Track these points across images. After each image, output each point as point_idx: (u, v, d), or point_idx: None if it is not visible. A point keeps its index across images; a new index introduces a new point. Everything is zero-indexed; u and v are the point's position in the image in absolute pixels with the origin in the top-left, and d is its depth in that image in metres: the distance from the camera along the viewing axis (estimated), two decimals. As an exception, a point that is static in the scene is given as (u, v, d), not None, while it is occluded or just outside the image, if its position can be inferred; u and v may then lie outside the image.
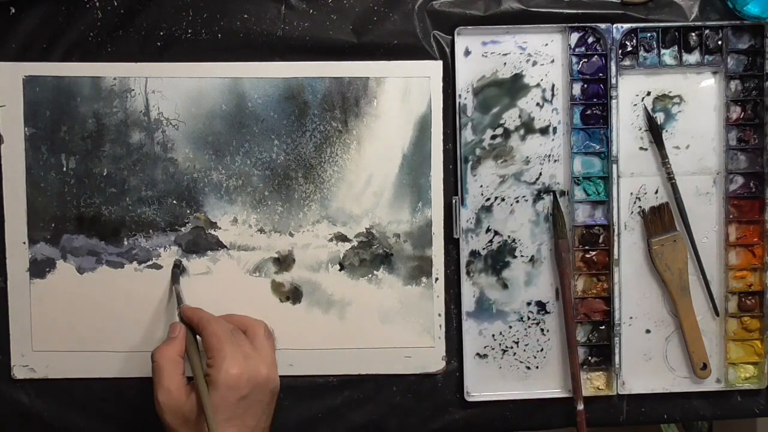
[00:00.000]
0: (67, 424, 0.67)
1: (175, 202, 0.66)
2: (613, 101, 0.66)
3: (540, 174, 0.67)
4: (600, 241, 0.67)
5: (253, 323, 0.62)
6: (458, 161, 0.66)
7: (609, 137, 0.66)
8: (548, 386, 0.68)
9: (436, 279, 0.67)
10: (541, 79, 0.67)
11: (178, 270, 0.65)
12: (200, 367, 0.56)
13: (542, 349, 0.68)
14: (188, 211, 0.66)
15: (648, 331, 0.68)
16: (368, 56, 0.66)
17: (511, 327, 0.68)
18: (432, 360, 0.67)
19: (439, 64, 0.66)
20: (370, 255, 0.67)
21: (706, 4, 0.67)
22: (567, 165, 0.67)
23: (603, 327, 0.67)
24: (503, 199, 0.67)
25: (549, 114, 0.67)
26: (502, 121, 0.67)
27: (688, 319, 0.67)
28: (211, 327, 0.57)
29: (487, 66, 0.66)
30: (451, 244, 0.67)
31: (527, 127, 0.67)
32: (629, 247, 0.68)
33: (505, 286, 0.67)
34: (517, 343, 0.68)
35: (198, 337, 0.59)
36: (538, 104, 0.67)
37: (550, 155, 0.67)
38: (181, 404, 0.54)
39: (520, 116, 0.67)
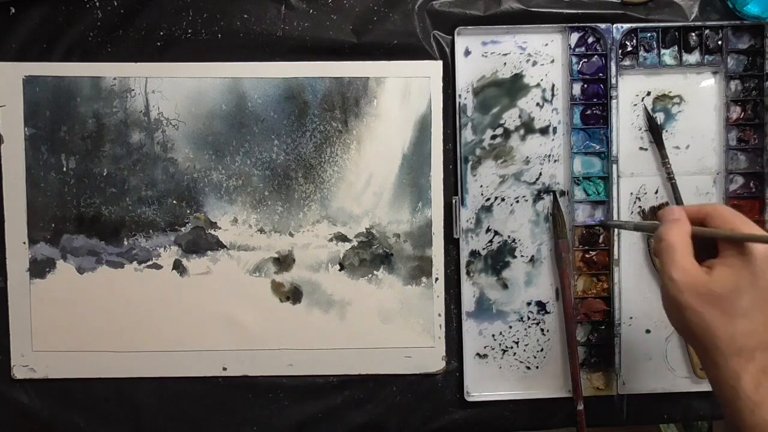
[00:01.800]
0: (67, 424, 0.67)
1: (175, 202, 0.66)
2: (613, 101, 0.66)
3: (540, 174, 0.67)
4: (600, 241, 0.67)
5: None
6: (458, 161, 0.66)
7: (609, 137, 0.66)
8: (548, 386, 0.68)
9: (436, 279, 0.67)
10: (541, 79, 0.67)
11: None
12: (726, 233, 0.50)
13: (542, 349, 0.68)
14: (188, 211, 0.66)
15: (648, 331, 0.68)
16: (368, 56, 0.66)
17: (511, 327, 0.68)
18: (432, 360, 0.67)
19: (439, 64, 0.66)
20: (370, 255, 0.67)
21: (706, 4, 0.67)
22: (567, 165, 0.67)
23: (603, 327, 0.67)
24: (503, 199, 0.67)
25: (549, 114, 0.67)
26: (502, 121, 0.67)
27: (688, 319, 0.67)
28: (719, 207, 0.52)
29: (487, 66, 0.66)
30: (451, 244, 0.67)
31: (527, 127, 0.67)
32: (629, 247, 0.68)
33: (505, 286, 0.67)
34: (517, 343, 0.68)
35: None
36: (538, 104, 0.67)
37: (550, 155, 0.67)
38: (703, 281, 0.48)
39: (520, 116, 0.67)
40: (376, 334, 0.67)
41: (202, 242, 0.66)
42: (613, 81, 0.66)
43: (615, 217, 0.66)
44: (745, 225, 0.49)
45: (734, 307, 0.47)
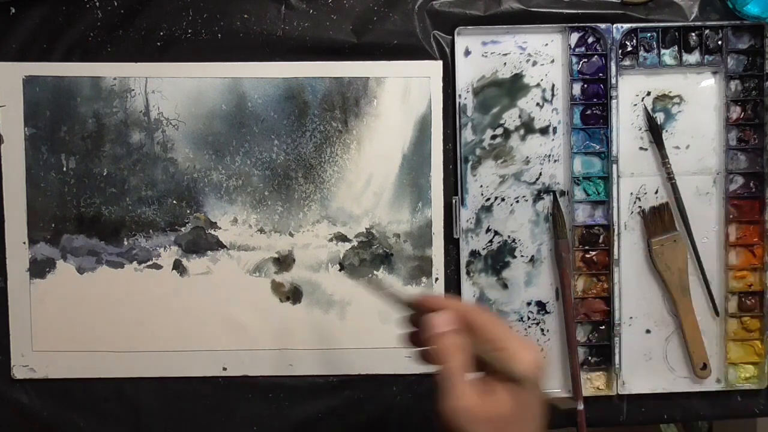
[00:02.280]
0: (67, 424, 0.67)
1: (175, 202, 0.66)
2: (613, 101, 0.66)
3: (540, 174, 0.67)
4: (600, 241, 0.67)
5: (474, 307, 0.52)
6: (458, 161, 0.66)
7: (609, 137, 0.66)
8: (548, 386, 0.68)
9: (436, 279, 0.67)
10: (541, 79, 0.67)
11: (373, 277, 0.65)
12: (496, 357, 0.47)
13: (542, 349, 0.68)
14: (188, 211, 0.66)
15: (648, 331, 0.68)
16: (368, 56, 0.66)
17: (511, 327, 0.68)
18: (432, 360, 0.67)
19: (439, 64, 0.66)
20: (370, 255, 0.67)
21: (706, 4, 0.67)
22: (567, 165, 0.67)
23: (603, 327, 0.67)
24: (503, 199, 0.67)
25: (549, 114, 0.67)
26: (502, 121, 0.67)
27: (688, 319, 0.67)
28: (482, 313, 0.49)
29: (487, 66, 0.66)
30: (451, 244, 0.67)
31: (527, 127, 0.67)
32: (629, 247, 0.68)
33: (505, 286, 0.67)
34: (517, 343, 0.68)
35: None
36: (538, 104, 0.67)
37: (550, 155, 0.67)
38: (481, 406, 0.46)
39: (520, 116, 0.67)
40: (376, 334, 0.67)
41: (202, 242, 0.66)
42: (613, 81, 0.66)
43: (615, 218, 0.66)
44: (504, 336, 0.47)
45: (509, 429, 0.46)
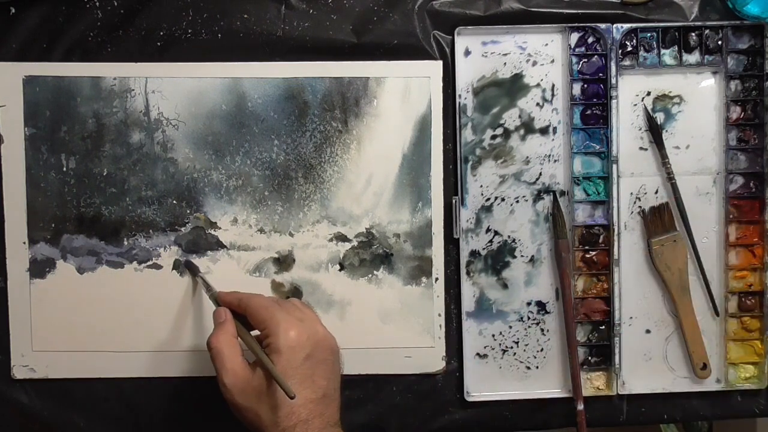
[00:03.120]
0: (67, 424, 0.67)
1: (175, 202, 0.66)
2: (613, 101, 0.66)
3: (540, 174, 0.67)
4: (600, 241, 0.67)
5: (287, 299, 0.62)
6: (458, 161, 0.66)
7: (609, 137, 0.66)
8: (548, 386, 0.68)
9: (436, 279, 0.67)
10: (541, 79, 0.67)
11: (192, 264, 0.66)
12: (256, 341, 0.56)
13: (542, 349, 0.68)
14: (188, 211, 0.66)
15: (648, 331, 0.68)
16: (368, 56, 0.66)
17: (511, 327, 0.68)
18: (432, 360, 0.67)
19: (439, 64, 0.66)
20: (370, 255, 0.67)
21: (706, 4, 0.67)
22: (567, 165, 0.67)
23: (603, 327, 0.67)
24: (503, 199, 0.67)
25: (549, 114, 0.67)
26: (502, 121, 0.67)
27: (688, 319, 0.67)
28: (255, 301, 0.57)
29: (487, 66, 0.66)
30: (451, 244, 0.67)
31: (527, 127, 0.67)
32: (629, 247, 0.68)
33: (505, 286, 0.67)
34: (517, 343, 0.68)
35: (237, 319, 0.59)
36: (538, 104, 0.67)
37: (550, 155, 0.67)
38: (249, 381, 0.54)
39: (520, 116, 0.67)
40: (376, 334, 0.67)
41: (202, 242, 0.66)
42: (613, 81, 0.66)
43: (615, 218, 0.66)
44: (267, 317, 0.55)
45: (274, 399, 0.53)
